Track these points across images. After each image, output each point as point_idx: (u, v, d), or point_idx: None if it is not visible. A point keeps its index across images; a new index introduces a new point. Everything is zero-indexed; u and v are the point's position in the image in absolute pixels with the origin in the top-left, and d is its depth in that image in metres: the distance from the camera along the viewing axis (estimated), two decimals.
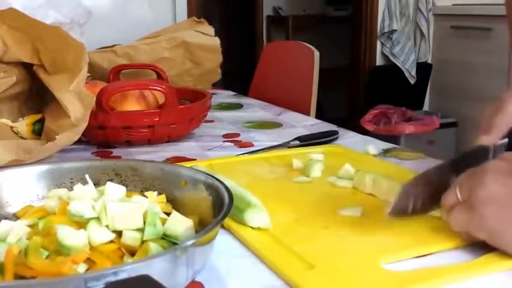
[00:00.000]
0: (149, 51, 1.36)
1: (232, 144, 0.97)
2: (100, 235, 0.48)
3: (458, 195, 0.53)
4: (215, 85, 1.56)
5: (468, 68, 3.15)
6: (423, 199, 0.58)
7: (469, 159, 0.60)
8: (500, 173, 0.52)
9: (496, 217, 0.50)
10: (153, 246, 0.47)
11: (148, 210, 0.51)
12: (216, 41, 1.43)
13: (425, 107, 3.55)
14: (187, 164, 0.77)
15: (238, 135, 1.04)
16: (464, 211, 0.52)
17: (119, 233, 0.49)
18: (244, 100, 1.46)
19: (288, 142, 0.94)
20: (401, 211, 0.57)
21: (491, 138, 0.60)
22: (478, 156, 0.59)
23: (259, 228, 0.58)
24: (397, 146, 0.95)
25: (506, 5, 0.91)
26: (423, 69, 3.44)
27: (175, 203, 0.58)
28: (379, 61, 3.47)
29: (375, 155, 0.87)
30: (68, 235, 0.46)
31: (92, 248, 0.47)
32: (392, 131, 2.82)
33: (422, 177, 0.59)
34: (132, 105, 0.96)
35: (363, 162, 0.81)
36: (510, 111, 0.60)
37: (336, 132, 1.00)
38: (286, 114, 1.25)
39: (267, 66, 1.84)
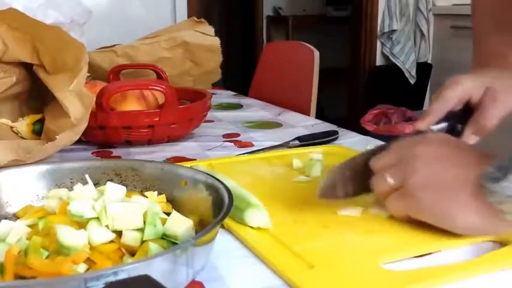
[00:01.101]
0: (149, 51, 1.36)
1: (232, 144, 0.97)
2: (100, 235, 0.48)
3: (390, 182, 0.56)
4: (215, 85, 1.56)
5: (468, 68, 3.12)
6: (355, 182, 0.60)
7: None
8: (430, 158, 0.55)
9: (433, 201, 0.53)
10: (153, 246, 0.47)
11: (148, 210, 0.51)
12: (216, 41, 1.43)
13: (425, 107, 3.55)
14: (187, 164, 0.77)
15: (238, 135, 1.04)
16: (401, 197, 0.55)
17: (119, 233, 0.49)
18: (244, 100, 1.46)
19: (288, 142, 0.94)
20: (330, 193, 0.60)
21: (425, 124, 0.63)
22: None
23: (259, 228, 0.58)
24: None
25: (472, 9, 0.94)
26: (423, 69, 3.44)
27: (175, 203, 0.58)
28: (379, 61, 3.48)
29: None
30: (68, 235, 0.46)
31: (92, 248, 0.47)
32: (393, 131, 2.82)
33: (353, 161, 0.62)
34: (132, 105, 0.96)
35: None
36: (447, 97, 0.64)
37: (336, 132, 1.00)
38: (286, 114, 1.25)
39: (267, 66, 1.84)
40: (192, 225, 0.51)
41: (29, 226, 0.52)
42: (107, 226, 0.49)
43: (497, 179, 0.49)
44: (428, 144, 0.56)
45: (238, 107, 1.36)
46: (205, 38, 1.42)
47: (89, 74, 0.89)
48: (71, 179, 0.61)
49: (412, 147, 0.56)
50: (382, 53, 3.45)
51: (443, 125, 0.64)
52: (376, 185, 0.58)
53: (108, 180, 0.59)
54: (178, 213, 0.52)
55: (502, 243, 0.54)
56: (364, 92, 3.47)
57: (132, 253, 0.48)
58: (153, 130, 0.93)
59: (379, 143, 0.96)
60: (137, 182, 0.62)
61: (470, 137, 0.65)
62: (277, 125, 1.14)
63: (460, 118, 0.65)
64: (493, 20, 0.86)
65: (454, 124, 0.65)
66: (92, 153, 0.92)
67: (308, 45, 1.68)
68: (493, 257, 0.51)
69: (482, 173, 0.50)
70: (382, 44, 3.43)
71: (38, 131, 0.91)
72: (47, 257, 0.46)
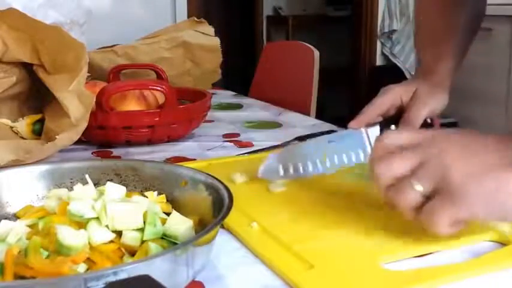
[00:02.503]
0: (149, 51, 1.36)
1: (232, 144, 0.97)
2: (100, 235, 0.48)
3: (420, 189, 0.49)
4: (215, 85, 1.56)
5: (468, 68, 3.13)
6: (294, 165, 0.67)
7: (343, 138, 0.70)
8: (456, 149, 0.49)
9: (482, 189, 0.47)
10: (153, 246, 0.47)
11: (148, 210, 0.51)
12: (216, 41, 1.43)
13: None
14: (187, 164, 0.77)
15: (238, 135, 1.04)
16: (443, 203, 0.48)
17: (119, 233, 0.49)
18: (244, 100, 1.46)
19: (288, 142, 0.94)
20: (271, 173, 0.68)
21: (356, 123, 0.76)
22: (352, 137, 0.69)
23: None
24: None
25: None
26: None
27: (175, 203, 0.58)
28: (379, 61, 3.48)
29: None
30: (68, 235, 0.46)
31: (92, 248, 0.47)
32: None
33: (295, 147, 0.72)
34: (132, 105, 0.96)
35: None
36: (378, 102, 0.77)
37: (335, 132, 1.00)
38: (286, 114, 1.25)
39: (267, 66, 1.84)
40: (192, 225, 0.51)
41: (29, 226, 0.52)
42: (107, 226, 0.49)
43: None
44: (447, 136, 0.51)
45: (238, 107, 1.36)
46: (205, 38, 1.42)
47: (89, 74, 0.89)
48: (71, 179, 0.61)
49: (431, 142, 0.50)
50: (382, 53, 3.45)
51: (376, 126, 0.70)
52: (401, 197, 0.50)
53: (108, 180, 0.59)
54: (178, 213, 0.52)
55: (502, 243, 0.54)
56: (364, 92, 3.47)
57: (132, 253, 0.48)
58: (153, 130, 0.93)
59: None
60: (137, 182, 0.62)
61: None
62: (277, 125, 1.14)
63: (394, 120, 0.76)
64: (430, 32, 0.88)
65: (388, 125, 0.73)
66: (92, 153, 0.92)
67: (308, 45, 1.68)
68: (493, 257, 0.51)
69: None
70: (382, 44, 3.43)
71: (38, 131, 0.91)
72: (47, 257, 0.46)
